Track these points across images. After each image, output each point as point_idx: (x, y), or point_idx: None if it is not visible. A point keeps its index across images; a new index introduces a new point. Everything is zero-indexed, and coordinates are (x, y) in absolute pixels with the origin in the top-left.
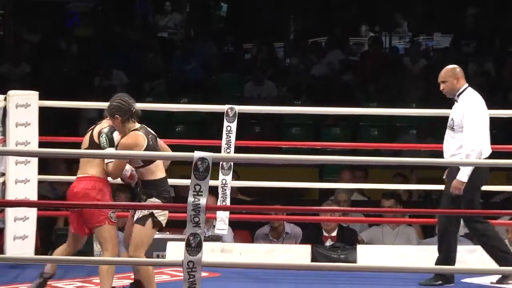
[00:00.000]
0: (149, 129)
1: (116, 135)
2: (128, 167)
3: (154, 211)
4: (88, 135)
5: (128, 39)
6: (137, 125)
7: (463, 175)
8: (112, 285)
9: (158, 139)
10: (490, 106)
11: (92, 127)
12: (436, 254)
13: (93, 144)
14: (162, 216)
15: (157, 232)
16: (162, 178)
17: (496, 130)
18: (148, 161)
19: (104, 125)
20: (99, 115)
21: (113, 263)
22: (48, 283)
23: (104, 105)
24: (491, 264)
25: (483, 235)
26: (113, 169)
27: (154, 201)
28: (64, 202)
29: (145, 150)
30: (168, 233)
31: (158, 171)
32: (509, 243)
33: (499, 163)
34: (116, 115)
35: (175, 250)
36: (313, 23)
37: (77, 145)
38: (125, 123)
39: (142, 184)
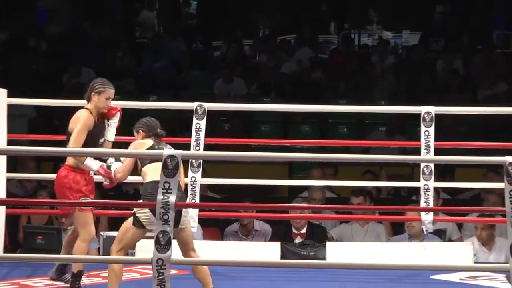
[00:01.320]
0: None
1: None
2: (97, 163)
3: (136, 211)
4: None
5: (97, 36)
6: (153, 143)
7: None
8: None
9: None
10: (458, 103)
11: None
12: (405, 251)
13: (67, 131)
14: (143, 216)
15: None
16: (149, 182)
17: (464, 127)
18: (141, 165)
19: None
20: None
21: (82, 261)
22: (22, 283)
23: (73, 102)
24: (460, 261)
25: None
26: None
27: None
28: (34, 200)
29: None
30: None
31: (147, 174)
32: (478, 239)
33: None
34: (140, 130)
35: (145, 248)
36: (282, 20)
37: (47, 143)
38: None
39: None
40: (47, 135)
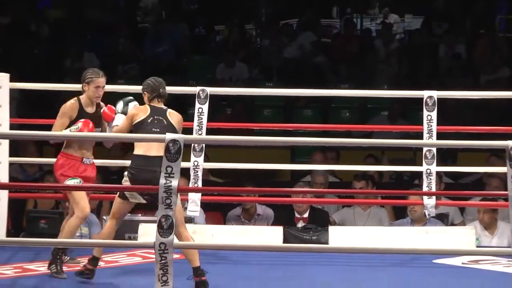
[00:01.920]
0: (166, 114)
1: (131, 106)
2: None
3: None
4: None
5: (99, 21)
6: (157, 105)
7: None
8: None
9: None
10: (461, 87)
11: None
12: (407, 235)
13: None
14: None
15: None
16: (138, 155)
17: (467, 111)
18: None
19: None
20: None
21: (88, 245)
22: (25, 267)
23: (74, 87)
24: (463, 245)
25: None
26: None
27: (124, 174)
28: (35, 184)
29: (138, 122)
30: (140, 215)
31: (138, 147)
32: (480, 223)
33: (466, 144)
34: (145, 92)
35: (147, 232)
36: (285, 4)
37: (48, 127)
38: (151, 101)
39: None
40: (46, 120)
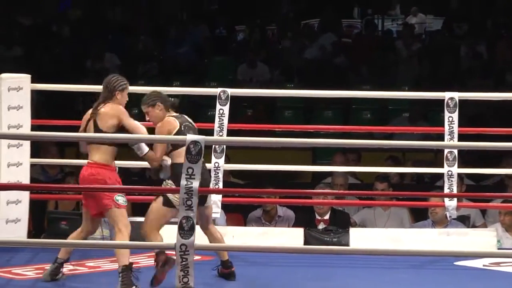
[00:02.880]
0: (187, 119)
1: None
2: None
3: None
4: (88, 118)
5: (120, 21)
6: (174, 114)
7: None
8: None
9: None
10: (482, 88)
11: (92, 109)
12: (428, 237)
13: (97, 130)
14: (175, 198)
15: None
16: (181, 163)
17: (488, 113)
18: (175, 145)
19: (108, 109)
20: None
21: (109, 246)
22: (42, 265)
23: (96, 88)
24: (484, 247)
25: None
26: (158, 155)
27: (168, 182)
28: (57, 185)
29: (175, 134)
30: None
31: (179, 156)
32: (502, 225)
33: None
34: (158, 103)
35: (168, 233)
36: (306, 5)
37: (69, 128)
38: (167, 111)
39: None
40: (67, 120)
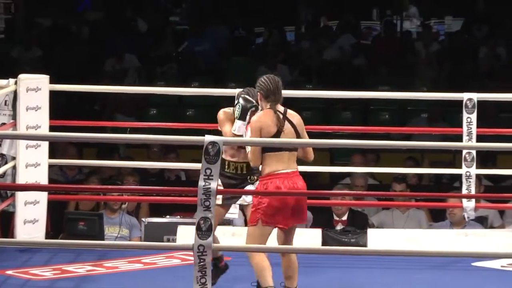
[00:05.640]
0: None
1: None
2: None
3: None
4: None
5: (139, 22)
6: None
7: None
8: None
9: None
10: (501, 90)
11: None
12: (446, 237)
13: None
14: None
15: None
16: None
17: (508, 113)
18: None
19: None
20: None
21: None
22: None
23: (114, 88)
24: (502, 248)
25: None
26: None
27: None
28: (74, 185)
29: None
30: (178, 217)
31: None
32: None
33: (505, 146)
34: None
35: (186, 234)
36: (325, 6)
37: (88, 129)
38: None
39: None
40: (85, 121)
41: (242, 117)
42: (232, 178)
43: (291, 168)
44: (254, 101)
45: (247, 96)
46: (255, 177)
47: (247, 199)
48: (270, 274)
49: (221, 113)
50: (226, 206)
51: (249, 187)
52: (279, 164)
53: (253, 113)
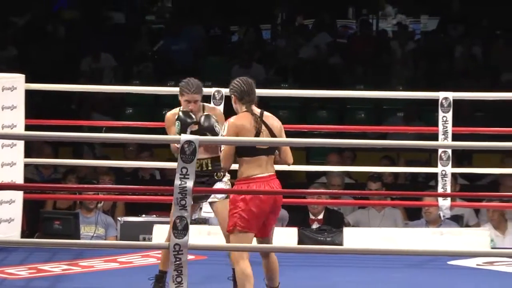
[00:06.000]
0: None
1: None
2: None
3: None
4: None
5: (115, 22)
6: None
7: None
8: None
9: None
10: (477, 89)
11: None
12: (422, 236)
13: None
14: None
15: None
16: None
17: (484, 113)
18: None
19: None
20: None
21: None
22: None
23: (90, 88)
24: (477, 246)
25: None
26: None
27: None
28: (50, 185)
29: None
30: (154, 216)
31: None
32: (490, 222)
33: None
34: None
35: (162, 233)
36: (300, 5)
37: (63, 128)
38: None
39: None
40: (61, 120)
41: (182, 133)
42: (199, 176)
43: (268, 172)
44: (193, 117)
45: (186, 110)
46: (221, 173)
47: (218, 196)
48: (252, 283)
49: (169, 116)
50: (194, 205)
51: (219, 184)
52: (256, 168)
53: (193, 127)
